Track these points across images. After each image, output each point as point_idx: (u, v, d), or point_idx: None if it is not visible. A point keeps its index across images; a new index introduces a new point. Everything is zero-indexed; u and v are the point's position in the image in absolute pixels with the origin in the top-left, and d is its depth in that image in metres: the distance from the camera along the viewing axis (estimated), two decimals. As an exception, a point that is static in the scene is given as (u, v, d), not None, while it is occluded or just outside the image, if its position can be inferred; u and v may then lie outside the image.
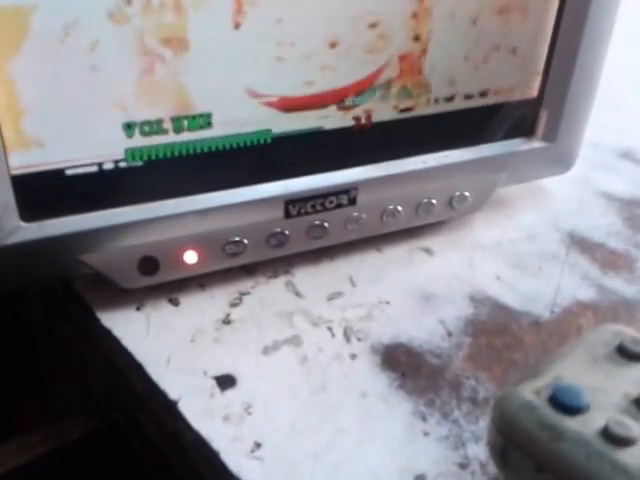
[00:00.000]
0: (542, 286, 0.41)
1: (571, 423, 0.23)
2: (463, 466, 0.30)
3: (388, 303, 0.39)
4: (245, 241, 0.38)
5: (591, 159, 0.53)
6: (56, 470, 0.43)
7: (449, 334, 0.37)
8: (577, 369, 0.25)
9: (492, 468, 0.29)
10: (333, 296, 0.39)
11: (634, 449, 0.22)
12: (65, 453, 0.43)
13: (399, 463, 0.30)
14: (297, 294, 0.39)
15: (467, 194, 0.43)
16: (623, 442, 0.22)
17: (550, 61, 0.41)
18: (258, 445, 0.30)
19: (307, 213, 0.39)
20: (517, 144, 0.43)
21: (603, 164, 0.54)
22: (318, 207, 0.39)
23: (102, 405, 0.43)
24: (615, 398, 0.24)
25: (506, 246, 0.44)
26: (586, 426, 0.23)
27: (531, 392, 0.24)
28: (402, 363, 0.35)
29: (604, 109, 0.54)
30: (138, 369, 0.34)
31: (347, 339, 0.36)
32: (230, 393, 0.33)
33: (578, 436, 0.23)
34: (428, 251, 0.43)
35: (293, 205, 0.38)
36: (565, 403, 0.24)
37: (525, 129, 0.43)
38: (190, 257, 0.37)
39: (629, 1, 0.47)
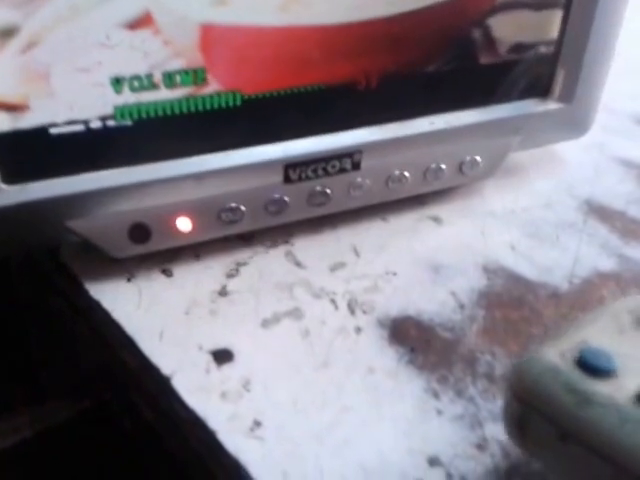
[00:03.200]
0: (560, 256, 0.39)
1: (601, 387, 0.21)
2: (481, 447, 0.28)
3: (395, 274, 0.37)
4: (242, 208, 0.36)
5: (606, 125, 0.52)
6: (43, 453, 0.41)
7: (461, 306, 0.35)
8: (602, 335, 0.24)
9: (514, 450, 0.27)
10: (336, 267, 0.38)
11: None
12: (53, 435, 0.42)
13: (410, 444, 0.29)
14: (298, 264, 0.37)
15: (478, 159, 0.41)
16: None
17: (567, 14, 0.39)
18: (258, 424, 0.29)
19: (308, 178, 0.37)
20: (532, 105, 0.42)
21: (619, 130, 0.52)
22: (320, 172, 0.37)
23: (93, 383, 0.41)
24: None
25: (520, 214, 0.42)
26: (618, 391, 0.21)
27: (555, 354, 0.23)
28: (411, 337, 0.33)
29: (620, 73, 0.52)
30: (129, 343, 0.33)
31: (352, 312, 0.35)
32: (227, 369, 0.31)
33: (610, 401, 0.21)
34: (437, 220, 0.42)
35: (293, 169, 0.36)
36: (595, 365, 0.22)
37: (540, 89, 0.42)
38: (184, 224, 0.35)
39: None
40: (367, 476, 0.27)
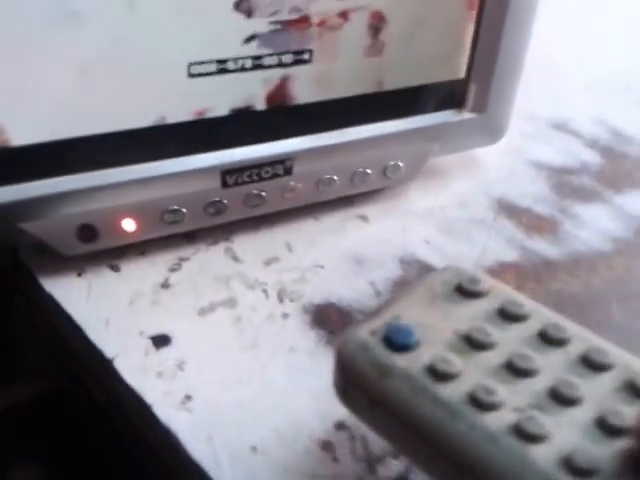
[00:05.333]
0: (468, 249, 0.42)
1: (399, 360, 0.23)
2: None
3: (322, 267, 0.40)
4: (183, 210, 0.38)
5: (525, 130, 0.54)
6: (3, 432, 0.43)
7: (377, 294, 0.38)
8: (415, 308, 0.25)
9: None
10: (270, 261, 0.40)
11: (455, 384, 0.23)
12: (14, 415, 0.44)
13: (321, 412, 0.31)
14: (235, 259, 0.40)
15: (401, 164, 0.44)
16: (444, 377, 0.23)
17: (476, 41, 0.43)
18: (188, 398, 0.31)
19: (244, 182, 0.39)
20: (448, 116, 0.44)
21: (536, 135, 0.55)
22: (254, 177, 0.40)
23: (52, 368, 0.44)
24: (446, 335, 0.24)
25: (437, 213, 0.45)
26: (413, 363, 0.23)
27: (367, 333, 0.24)
28: (331, 321, 0.36)
29: (543, 81, 0.55)
30: (78, 331, 0.35)
31: (280, 300, 0.37)
32: (164, 351, 0.34)
33: (404, 373, 0.23)
34: (363, 218, 0.44)
35: (230, 175, 0.39)
36: (395, 341, 0.24)
37: (455, 102, 0.44)
38: (128, 225, 0.37)
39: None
40: (280, 438, 0.30)
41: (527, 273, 0.40)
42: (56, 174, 0.35)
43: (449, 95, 0.44)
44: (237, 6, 0.35)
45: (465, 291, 0.26)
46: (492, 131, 0.46)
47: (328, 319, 0.36)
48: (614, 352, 0.23)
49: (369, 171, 0.43)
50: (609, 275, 0.40)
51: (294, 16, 0.37)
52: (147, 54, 0.34)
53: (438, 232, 0.43)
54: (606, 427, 0.21)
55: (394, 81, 0.42)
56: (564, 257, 0.42)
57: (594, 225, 0.45)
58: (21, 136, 0.33)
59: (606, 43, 0.71)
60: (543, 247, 0.42)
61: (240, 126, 0.39)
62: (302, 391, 0.32)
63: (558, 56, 0.66)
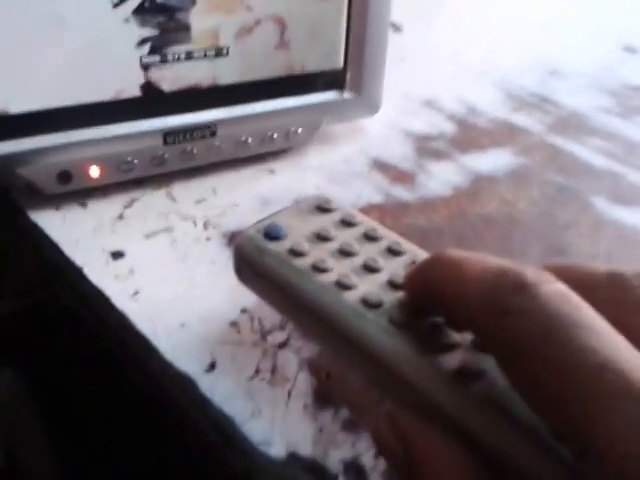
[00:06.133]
0: (347, 193, 0.52)
1: (272, 245, 0.33)
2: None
3: (237, 205, 0.50)
4: (135, 161, 0.48)
5: (401, 106, 0.64)
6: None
7: (276, 224, 0.48)
8: (288, 217, 0.35)
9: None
10: (200, 201, 0.50)
11: (304, 259, 0.32)
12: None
13: (232, 303, 0.41)
14: (173, 199, 0.50)
15: (299, 130, 0.54)
16: (299, 255, 0.32)
17: (348, 41, 0.54)
18: (137, 293, 0.42)
19: (180, 142, 0.49)
20: (333, 95, 0.55)
21: (409, 110, 0.65)
22: (188, 137, 0.49)
23: (32, 284, 0.53)
24: (304, 232, 0.34)
25: (327, 167, 0.55)
26: (281, 247, 0.33)
27: (254, 230, 0.34)
28: (242, 243, 0.46)
29: (422, 66, 0.66)
30: (56, 250, 0.45)
31: (205, 228, 0.47)
32: (120, 262, 0.44)
33: (275, 253, 0.33)
34: (272, 171, 0.54)
35: (169, 136, 0.49)
36: (269, 234, 0.34)
37: (338, 85, 0.55)
38: (94, 172, 0.47)
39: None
40: (201, 320, 0.41)
41: (388, 211, 0.51)
42: (42, 133, 0.45)
43: (333, 80, 0.55)
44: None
45: (321, 208, 0.36)
46: (368, 107, 0.57)
47: (240, 241, 0.47)
48: (408, 246, 0.34)
49: (275, 135, 0.53)
50: (446, 213, 0.52)
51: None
52: (110, 49, 0.44)
53: (326, 181, 0.54)
54: (392, 284, 0.31)
55: (296, 68, 0.52)
56: (416, 200, 0.53)
57: (441, 177, 0.56)
58: (17, 106, 0.43)
59: (478, 35, 0.82)
60: (402, 193, 0.53)
61: (178, 100, 0.49)
62: (219, 290, 0.42)
63: (437, 46, 0.77)
